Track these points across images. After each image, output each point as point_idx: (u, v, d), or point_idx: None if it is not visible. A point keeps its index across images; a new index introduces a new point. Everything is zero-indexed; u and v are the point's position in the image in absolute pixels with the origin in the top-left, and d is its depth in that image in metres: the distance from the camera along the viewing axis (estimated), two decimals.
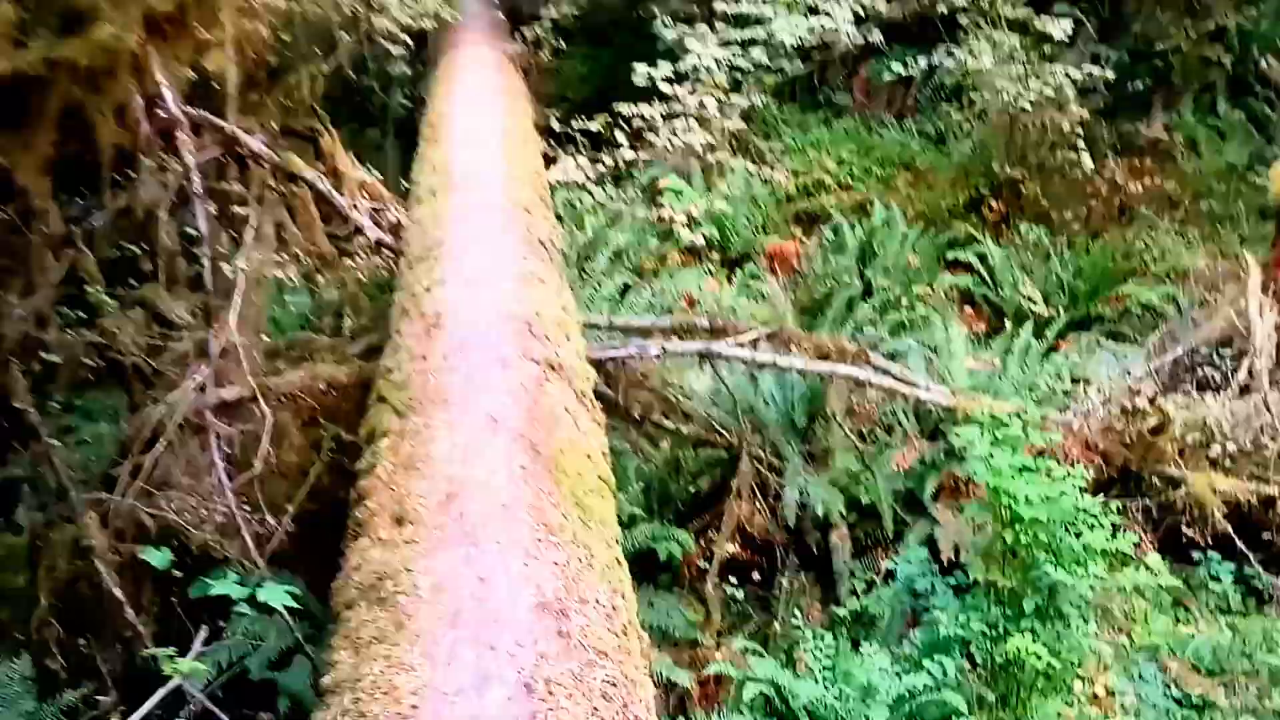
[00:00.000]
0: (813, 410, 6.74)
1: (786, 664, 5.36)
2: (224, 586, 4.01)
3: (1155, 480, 6.11)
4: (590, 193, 7.81)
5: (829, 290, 8.69)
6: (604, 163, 7.72)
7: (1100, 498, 5.09)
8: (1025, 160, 9.54)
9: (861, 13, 8.46)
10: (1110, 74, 9.19)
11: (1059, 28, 8.53)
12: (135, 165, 5.29)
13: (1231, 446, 6.10)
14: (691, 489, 6.70)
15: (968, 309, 8.77)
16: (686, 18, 9.54)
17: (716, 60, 8.09)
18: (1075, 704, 4.91)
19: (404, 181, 6.70)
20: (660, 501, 6.58)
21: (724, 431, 6.50)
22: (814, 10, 8.38)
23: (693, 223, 8.22)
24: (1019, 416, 5.33)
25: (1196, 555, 6.04)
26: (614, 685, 2.54)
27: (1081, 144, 8.89)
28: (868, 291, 8.75)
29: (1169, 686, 5.32)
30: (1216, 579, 5.97)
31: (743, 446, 6.37)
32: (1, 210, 4.84)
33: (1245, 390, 6.50)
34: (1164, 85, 10.28)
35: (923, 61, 9.43)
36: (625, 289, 8.54)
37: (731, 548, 6.27)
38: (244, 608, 4.20)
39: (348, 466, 4.15)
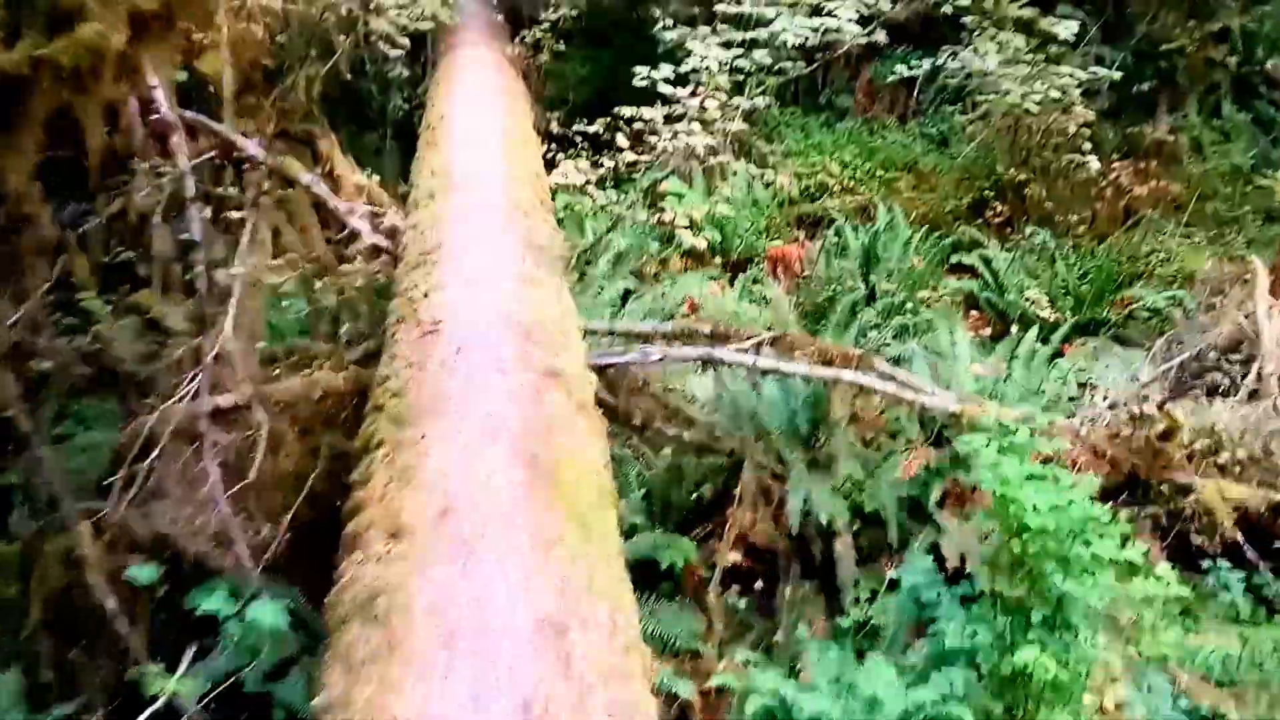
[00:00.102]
0: (816, 416, 6.66)
1: (790, 675, 5.29)
2: (212, 604, 3.93)
3: (1163, 487, 6.02)
4: (590, 196, 7.73)
5: (832, 294, 8.61)
6: (604, 165, 7.65)
7: (1109, 506, 5.01)
8: (1029, 162, 9.47)
9: (866, 13, 8.38)
10: (1117, 75, 9.11)
11: (1065, 29, 8.46)
12: (129, 169, 5.23)
13: (1241, 453, 6.02)
14: (693, 496, 6.61)
15: (972, 313, 8.70)
16: (688, 19, 9.47)
17: (718, 62, 8.01)
18: (1084, 716, 4.82)
19: (403, 185, 6.64)
20: (662, 509, 6.51)
21: (726, 438, 6.42)
22: (818, 10, 8.30)
23: (694, 226, 8.14)
24: (1026, 423, 5.25)
25: (1205, 563, 5.96)
26: (616, 709, 2.45)
27: (1088, 146, 8.82)
28: (871, 295, 8.67)
29: (1178, 698, 5.24)
30: (1226, 588, 5.88)
31: (745, 453, 6.30)
32: None
33: (1254, 395, 6.42)
34: (1169, 87, 10.21)
35: (927, 63, 9.36)
36: (626, 293, 8.47)
37: (734, 556, 6.18)
38: (235, 624, 4.12)
39: (344, 475, 4.08)
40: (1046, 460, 5.23)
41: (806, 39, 8.10)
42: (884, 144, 10.54)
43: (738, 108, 8.28)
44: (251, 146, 5.85)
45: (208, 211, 5.57)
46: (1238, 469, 6.00)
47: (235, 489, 5.19)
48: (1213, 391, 6.57)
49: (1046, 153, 9.31)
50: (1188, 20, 9.87)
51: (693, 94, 7.80)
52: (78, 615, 5.08)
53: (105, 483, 5.26)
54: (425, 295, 4.49)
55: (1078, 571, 4.70)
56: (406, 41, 8.01)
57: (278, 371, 5.89)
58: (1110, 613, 5.12)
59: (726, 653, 5.81)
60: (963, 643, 4.89)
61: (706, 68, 8.02)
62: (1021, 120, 9.10)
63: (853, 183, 10.10)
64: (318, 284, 6.45)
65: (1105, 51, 9.95)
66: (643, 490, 6.41)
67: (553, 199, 7.14)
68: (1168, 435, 5.99)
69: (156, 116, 5.00)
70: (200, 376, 5.34)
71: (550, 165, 7.77)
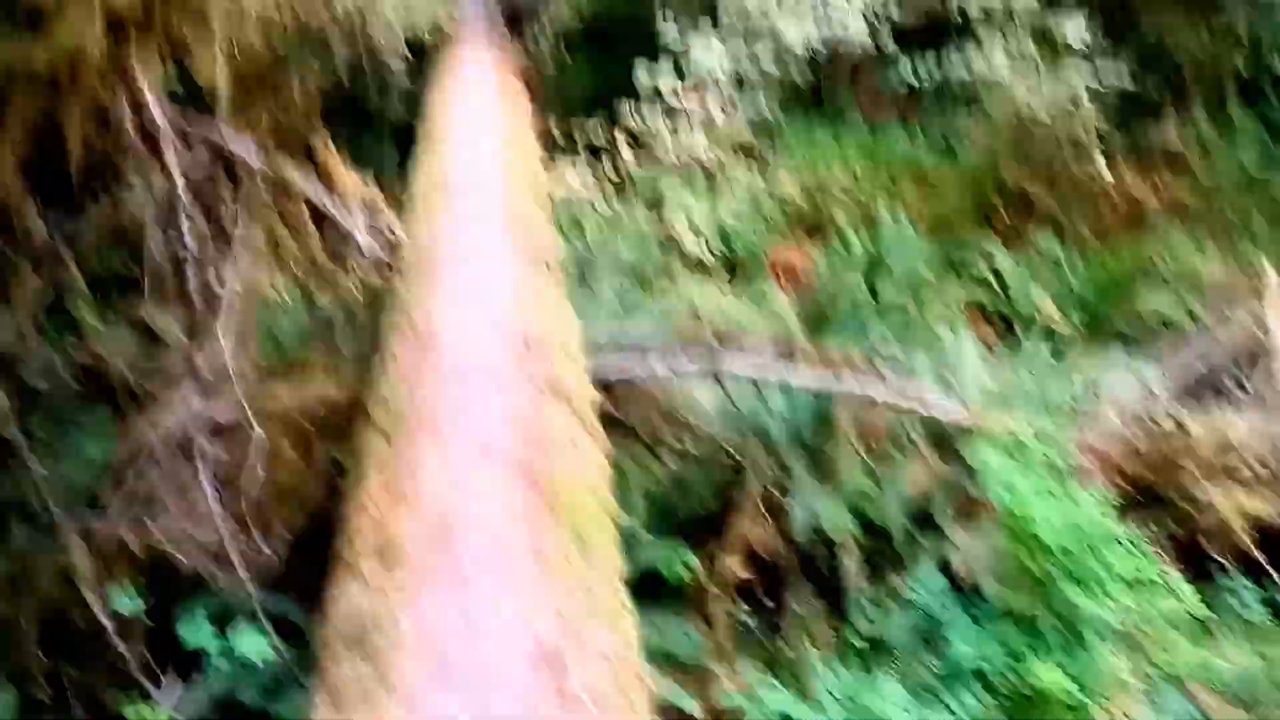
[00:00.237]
0: (821, 426, 6.56)
1: (797, 690, 5.21)
2: (198, 637, 3.85)
3: (1177, 499, 5.92)
4: (591, 202, 7.66)
5: (836, 301, 8.51)
6: (605, 171, 7.57)
7: (1124, 520, 4.93)
8: (1035, 167, 9.37)
9: (873, 16, 8.30)
10: (1128, 78, 9.01)
11: (1075, 32, 8.35)
12: (121, 175, 5.15)
13: (1255, 464, 5.92)
14: (697, 507, 6.51)
15: (979, 320, 8.59)
16: (690, 22, 9.39)
17: (721, 66, 7.93)
18: None
19: (402, 191, 6.56)
20: (665, 520, 6.40)
21: (731, 449, 6.33)
22: (823, 14, 8.22)
23: (697, 234, 8.06)
24: (1037, 436, 5.16)
25: (1219, 576, 5.86)
26: None
27: (1097, 150, 8.72)
28: (876, 302, 8.57)
29: (1195, 716, 5.13)
30: (1242, 601, 5.78)
31: (750, 464, 6.21)
32: None
33: (1268, 404, 6.32)
34: (1176, 89, 10.10)
35: (934, 66, 9.26)
36: (628, 300, 8.36)
37: (739, 569, 6.10)
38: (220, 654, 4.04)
39: (341, 486, 4.00)
40: (1059, 473, 5.14)
41: (812, 44, 8.01)
42: (888, 147, 10.41)
43: (741, 112, 8.22)
44: (247, 151, 5.76)
45: (202, 219, 5.47)
46: (1252, 480, 5.89)
47: (231, 502, 5.13)
48: (1226, 401, 6.45)
49: (1053, 156, 9.21)
50: (1194, 21, 9.77)
51: (694, 97, 7.73)
52: (72, 631, 5.02)
53: (100, 496, 5.21)
54: (422, 307, 4.39)
55: (1092, 587, 4.61)
56: (404, 46, 7.93)
57: (275, 381, 5.83)
58: (1125, 629, 5.03)
59: (732, 666, 5.73)
60: (975, 661, 4.79)
61: (710, 71, 7.94)
62: (1027, 124, 9.00)
63: (857, 188, 9.99)
64: (316, 291, 6.36)
65: (1110, 53, 9.85)
66: (646, 501, 6.29)
67: (553, 204, 7.07)
68: (1180, 446, 5.89)
69: (147, 121, 4.90)
70: (195, 388, 5.27)
71: (550, 170, 7.70)
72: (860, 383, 6.17)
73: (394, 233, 6.24)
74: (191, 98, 5.44)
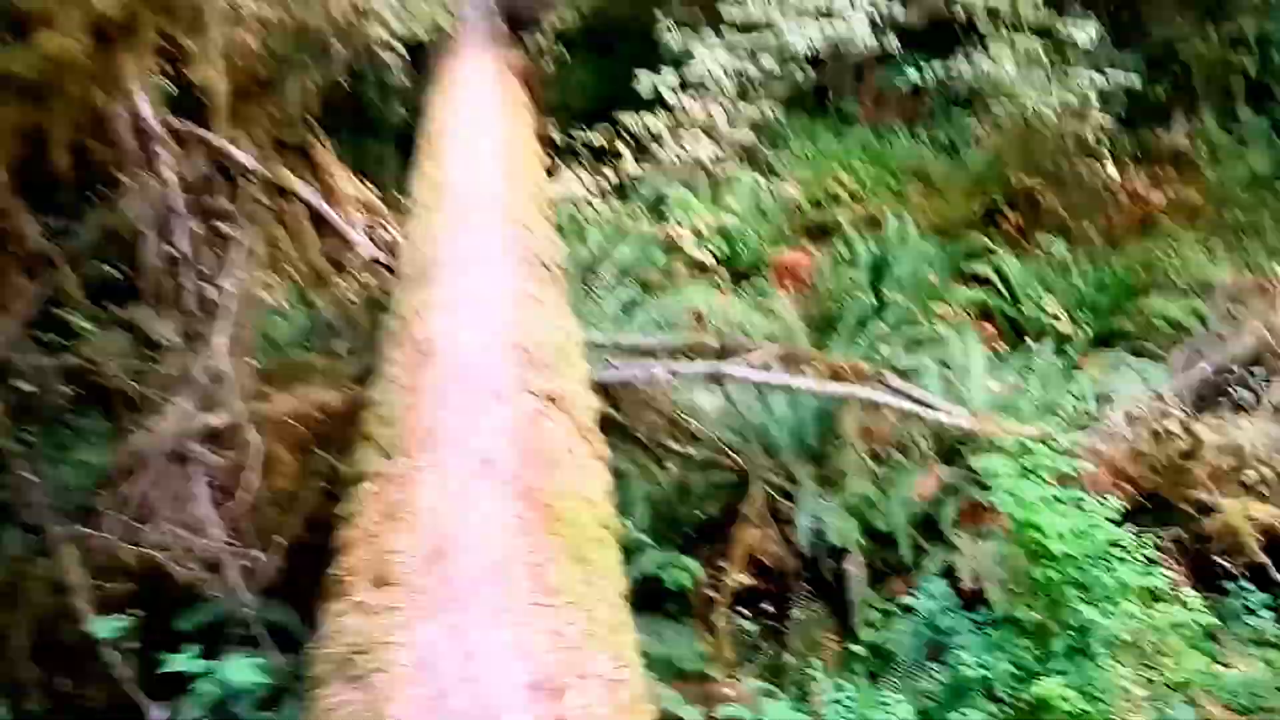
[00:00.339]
0: (825, 431, 6.49)
1: (800, 701, 5.14)
2: (184, 664, 3.79)
3: (1186, 507, 5.85)
4: (594, 206, 7.59)
5: (841, 305, 8.45)
6: (607, 176, 7.50)
7: (1130, 527, 4.86)
8: (1042, 169, 9.29)
9: (878, 18, 8.21)
10: (1137, 81, 8.92)
11: (1084, 33, 8.25)
12: (117, 180, 5.09)
13: (1266, 471, 5.85)
14: (700, 513, 6.45)
15: (985, 324, 8.51)
16: (692, 24, 9.32)
17: (724, 68, 7.85)
18: None
19: (402, 195, 6.50)
20: (667, 526, 6.33)
21: (733, 454, 6.28)
22: (827, 15, 8.14)
23: (700, 238, 7.99)
24: (1045, 443, 5.08)
25: (1229, 585, 5.78)
26: None
27: (1106, 152, 8.64)
28: (880, 306, 8.50)
29: None
30: (1250, 610, 5.70)
31: (753, 470, 6.15)
32: None
33: (1277, 410, 6.25)
34: (1183, 92, 10.02)
35: (939, 67, 9.18)
36: (630, 304, 8.29)
37: (742, 576, 6.04)
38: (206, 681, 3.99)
39: (340, 492, 3.94)
40: (1067, 481, 5.07)
41: (816, 46, 7.93)
42: (892, 150, 10.35)
43: (744, 116, 8.14)
44: (245, 156, 5.69)
45: (199, 224, 5.41)
46: (1262, 488, 5.82)
47: (228, 509, 5.07)
48: (1235, 407, 6.38)
49: (1059, 159, 9.13)
50: (1203, 23, 9.69)
51: (698, 101, 7.66)
52: (65, 642, 4.96)
53: (95, 504, 5.15)
54: (419, 315, 4.32)
55: (1100, 598, 4.54)
56: (403, 49, 7.85)
57: (273, 388, 5.76)
58: (1133, 639, 4.96)
59: (735, 675, 5.67)
60: (980, 672, 4.72)
61: (713, 75, 7.87)
62: (1033, 125, 8.92)
63: (861, 190, 9.92)
64: (315, 297, 6.31)
65: (1117, 55, 9.77)
66: (648, 507, 6.23)
67: (554, 209, 7.00)
68: (1190, 453, 5.82)
69: (143, 125, 4.84)
70: (192, 394, 5.21)
71: (552, 174, 7.63)
72: (864, 387, 6.10)
73: (393, 236, 6.18)
74: (188, 101, 5.38)
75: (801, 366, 6.25)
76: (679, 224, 8.19)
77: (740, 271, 9.22)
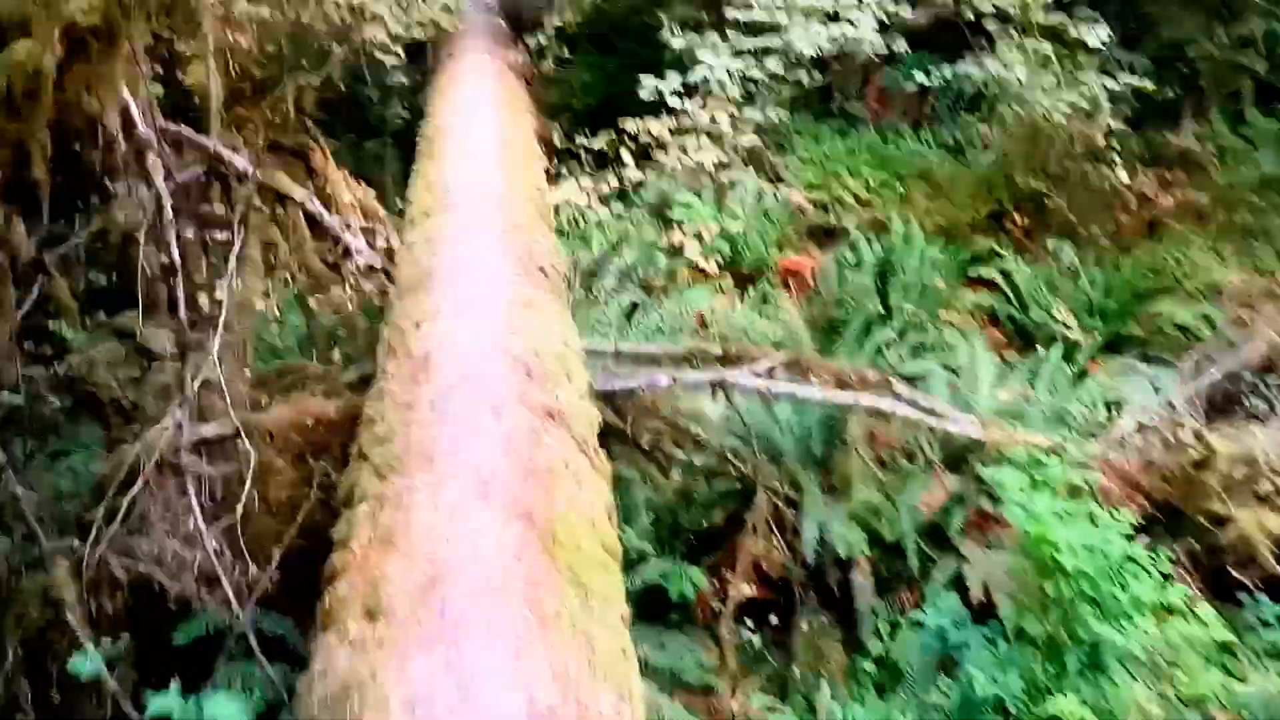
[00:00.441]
0: (831, 440, 6.39)
1: (807, 714, 5.06)
2: (164, 705, 3.70)
3: (1199, 518, 5.74)
4: (595, 212, 7.49)
5: (846, 310, 8.35)
6: (609, 183, 7.40)
7: (1144, 540, 4.76)
8: (1049, 172, 9.19)
9: (886, 20, 8.10)
10: (1149, 83, 8.81)
11: (1095, 35, 8.14)
12: (109, 187, 5.00)
13: (1279, 479, 5.73)
14: (704, 522, 6.35)
15: (992, 329, 8.43)
16: (696, 26, 9.21)
17: (729, 71, 7.74)
18: None
19: (402, 198, 6.42)
20: (671, 535, 6.25)
21: (738, 461, 6.17)
22: (833, 18, 8.02)
23: (703, 242, 7.88)
24: (1056, 454, 4.99)
25: (1243, 597, 5.68)
26: None
27: (1115, 155, 8.54)
28: (886, 311, 8.40)
29: None
30: (1265, 623, 5.60)
31: (757, 477, 6.05)
32: None
33: None
34: (1192, 93, 9.92)
35: (946, 70, 9.08)
36: (633, 309, 8.20)
37: (747, 586, 5.94)
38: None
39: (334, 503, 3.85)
40: (1078, 493, 4.98)
41: (822, 48, 7.81)
42: (898, 153, 10.25)
43: (749, 120, 8.03)
44: (240, 160, 5.60)
45: (192, 230, 5.32)
46: (1277, 499, 5.71)
47: (223, 521, 4.98)
48: (1248, 415, 6.27)
49: (1067, 161, 9.03)
50: (1211, 24, 9.59)
51: (702, 105, 7.55)
52: (57, 656, 4.87)
53: (87, 516, 5.06)
54: (417, 325, 4.21)
55: (1114, 614, 4.44)
56: (401, 50, 7.76)
57: (269, 396, 5.69)
58: (1146, 654, 4.87)
59: (740, 687, 5.58)
60: (991, 690, 4.61)
61: (717, 78, 7.76)
62: (1040, 128, 8.82)
63: (866, 193, 9.82)
64: (312, 303, 6.22)
65: (1124, 57, 9.67)
66: (651, 515, 6.14)
67: (555, 213, 6.91)
68: (1203, 463, 5.71)
69: (137, 131, 4.74)
70: (186, 403, 5.12)
71: (553, 178, 7.54)
72: (871, 394, 6.00)
73: (392, 242, 6.09)
74: (184, 104, 5.30)
75: (808, 374, 6.14)
76: (682, 228, 8.08)
77: (744, 276, 9.13)
